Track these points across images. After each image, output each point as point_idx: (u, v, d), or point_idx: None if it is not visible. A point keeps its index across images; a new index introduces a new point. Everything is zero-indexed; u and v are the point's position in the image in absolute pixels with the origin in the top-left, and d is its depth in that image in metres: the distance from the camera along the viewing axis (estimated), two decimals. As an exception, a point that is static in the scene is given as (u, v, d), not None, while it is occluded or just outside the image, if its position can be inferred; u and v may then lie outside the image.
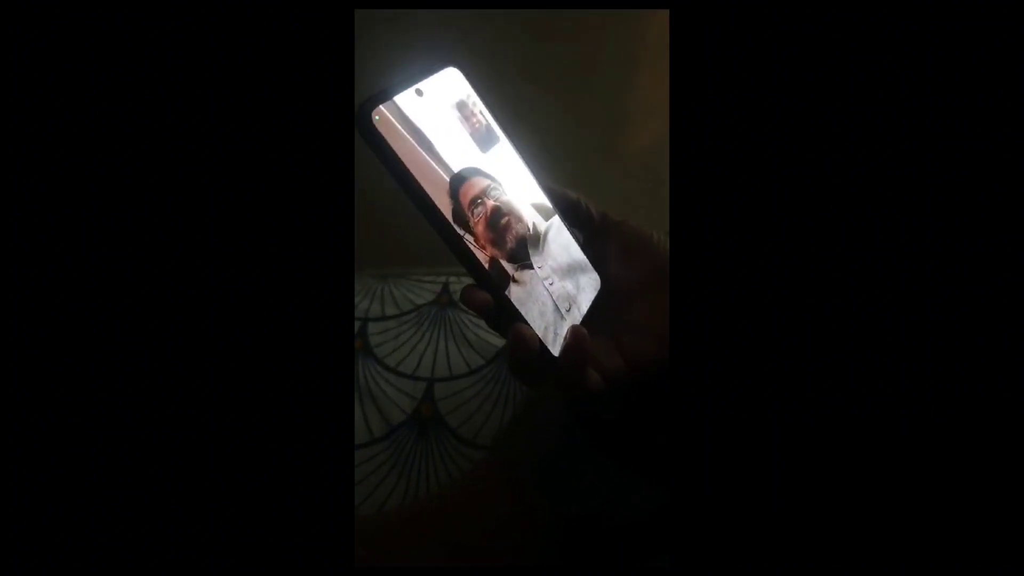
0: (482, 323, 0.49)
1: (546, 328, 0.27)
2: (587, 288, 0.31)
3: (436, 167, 0.25)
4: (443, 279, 0.53)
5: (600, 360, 0.28)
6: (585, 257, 0.31)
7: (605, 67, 0.68)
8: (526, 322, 0.27)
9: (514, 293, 0.27)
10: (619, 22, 0.66)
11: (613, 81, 0.69)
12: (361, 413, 0.44)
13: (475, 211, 0.26)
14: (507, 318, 0.27)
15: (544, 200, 0.30)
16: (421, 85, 0.25)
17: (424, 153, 0.24)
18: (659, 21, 0.66)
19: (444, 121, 0.25)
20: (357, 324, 0.49)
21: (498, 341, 0.47)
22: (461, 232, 0.25)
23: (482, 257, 0.26)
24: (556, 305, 0.28)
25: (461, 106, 0.27)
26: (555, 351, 0.28)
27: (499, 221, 0.27)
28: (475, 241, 0.26)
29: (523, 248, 0.28)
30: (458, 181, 0.25)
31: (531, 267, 0.28)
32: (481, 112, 0.27)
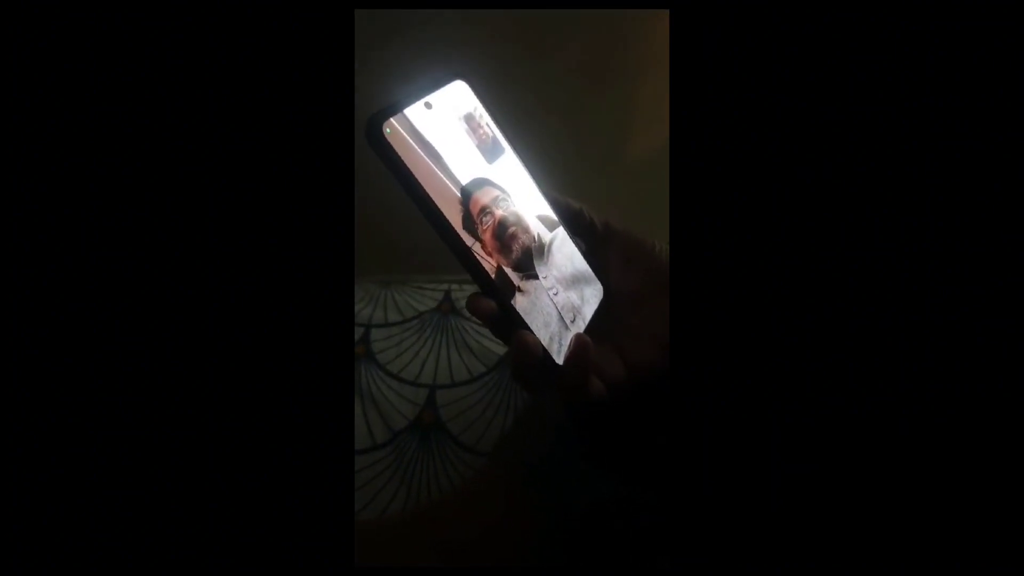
0: (484, 331, 0.49)
1: (551, 337, 0.28)
2: (590, 298, 0.31)
3: (445, 178, 0.25)
4: (445, 286, 0.53)
5: (602, 367, 0.28)
6: (589, 267, 0.32)
7: (608, 74, 0.69)
8: (530, 330, 0.27)
9: (519, 302, 0.27)
10: (623, 27, 0.66)
11: (617, 88, 0.70)
12: (363, 419, 0.44)
13: (483, 220, 0.27)
14: (511, 326, 0.27)
15: (548, 211, 0.30)
16: (430, 98, 0.25)
17: (433, 164, 0.25)
18: (664, 26, 0.66)
19: (452, 133, 0.26)
20: (360, 330, 0.50)
21: (499, 348, 0.48)
22: (469, 242, 0.26)
23: (489, 267, 0.26)
24: (561, 316, 0.29)
25: (468, 118, 0.27)
26: (558, 359, 0.28)
27: (506, 231, 0.28)
28: (483, 249, 0.26)
29: (528, 259, 0.28)
30: (469, 191, 0.26)
31: (536, 277, 0.28)
32: (488, 124, 0.28)
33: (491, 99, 0.28)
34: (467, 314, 0.46)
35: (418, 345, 0.48)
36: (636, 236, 0.32)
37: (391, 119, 0.24)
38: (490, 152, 0.28)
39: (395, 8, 0.62)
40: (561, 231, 0.31)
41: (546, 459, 0.33)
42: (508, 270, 0.27)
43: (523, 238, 0.28)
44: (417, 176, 0.24)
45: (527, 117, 0.42)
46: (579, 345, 0.28)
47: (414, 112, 0.25)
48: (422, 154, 0.24)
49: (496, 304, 0.27)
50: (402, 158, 0.23)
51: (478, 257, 0.26)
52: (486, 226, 0.27)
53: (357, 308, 0.52)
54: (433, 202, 0.24)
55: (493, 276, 0.26)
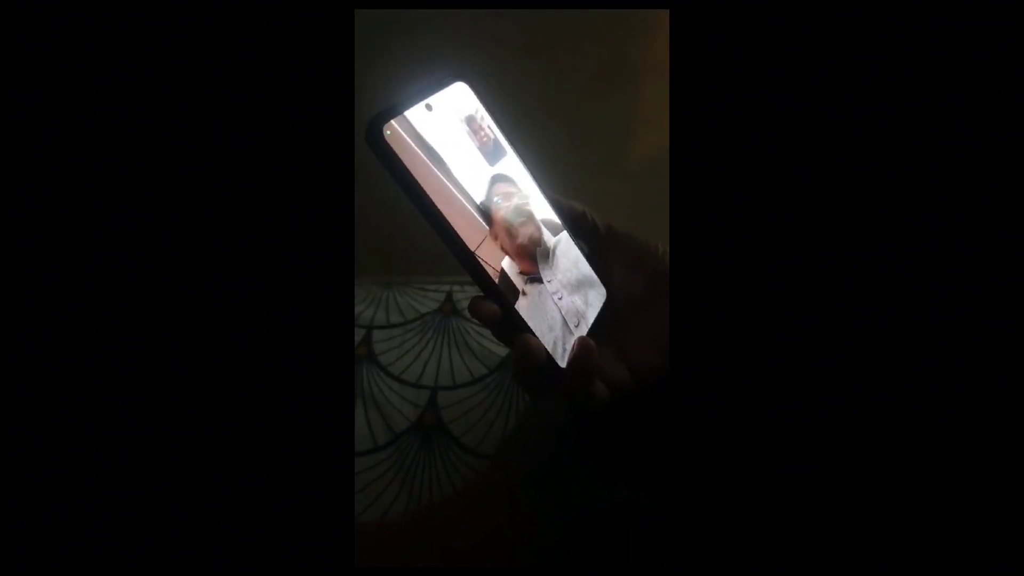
0: (486, 332, 0.49)
1: (555, 341, 0.28)
2: (594, 301, 0.31)
3: (446, 181, 0.25)
4: (447, 288, 0.53)
5: (605, 370, 0.28)
6: (592, 271, 0.31)
7: (611, 75, 0.68)
8: (533, 334, 0.27)
9: (523, 306, 0.27)
10: (626, 27, 0.66)
11: (620, 89, 0.70)
12: (365, 420, 0.44)
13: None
14: (514, 329, 0.27)
15: (552, 215, 0.30)
16: (431, 100, 0.25)
17: (434, 167, 0.25)
18: (667, 27, 0.66)
19: (453, 135, 0.26)
20: (362, 332, 0.50)
21: (501, 350, 0.48)
22: (473, 245, 0.25)
23: (492, 270, 0.26)
24: (565, 320, 0.29)
25: (470, 120, 0.27)
26: (561, 363, 0.28)
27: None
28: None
29: (532, 255, 0.28)
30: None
31: (540, 281, 0.28)
32: (489, 126, 0.28)
33: (493, 100, 0.28)
34: (469, 315, 0.46)
35: (420, 346, 0.48)
36: (639, 239, 0.32)
37: (391, 121, 0.23)
38: (491, 154, 0.28)
39: (395, 8, 0.62)
40: (564, 235, 0.31)
41: (548, 462, 0.33)
42: (512, 275, 0.27)
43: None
44: (418, 179, 0.24)
45: (529, 119, 0.42)
46: (582, 348, 0.28)
47: (414, 114, 0.24)
48: (423, 157, 0.24)
49: (499, 307, 0.26)
50: (403, 161, 0.23)
51: (481, 260, 0.26)
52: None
53: (359, 309, 0.52)
54: (435, 205, 0.24)
55: (496, 279, 0.26)
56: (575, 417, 0.33)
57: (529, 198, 0.29)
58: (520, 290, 0.27)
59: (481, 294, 0.27)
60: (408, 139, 0.24)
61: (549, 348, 0.27)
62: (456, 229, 0.25)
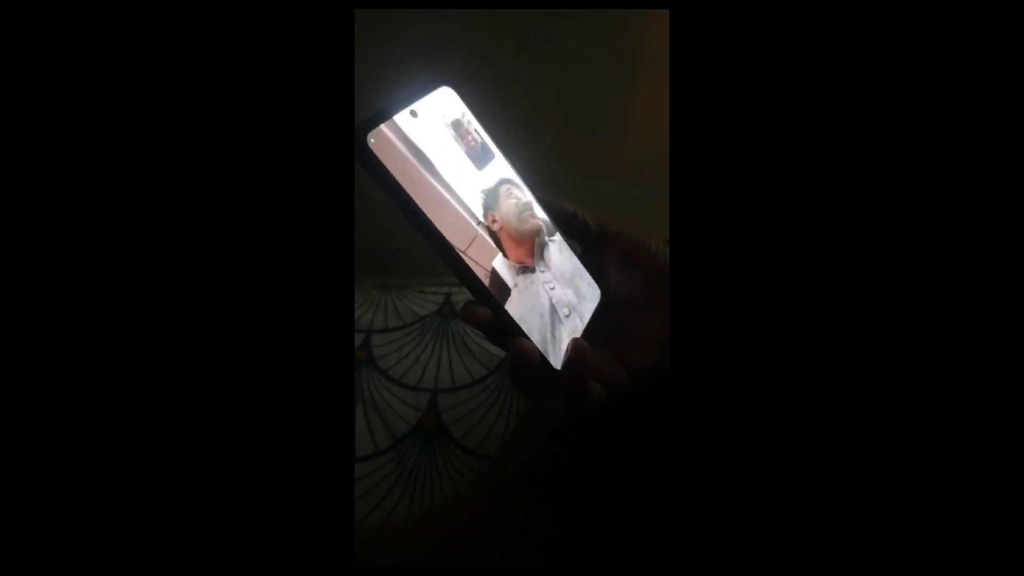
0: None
1: (545, 335, 0.28)
2: (588, 300, 0.31)
3: (433, 187, 0.25)
4: (446, 290, 0.53)
5: (601, 371, 0.28)
6: (585, 270, 0.31)
7: (601, 73, 0.68)
8: (526, 336, 0.27)
9: (514, 304, 0.27)
10: (616, 25, 0.65)
11: (609, 87, 0.69)
12: (366, 425, 0.44)
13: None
14: (507, 332, 0.27)
15: (543, 216, 0.30)
16: (415, 106, 0.25)
17: (420, 174, 0.24)
18: (658, 24, 0.66)
19: (439, 141, 0.26)
20: (361, 336, 0.50)
21: (501, 351, 0.48)
22: (462, 247, 0.25)
23: (482, 272, 0.26)
24: (555, 309, 0.29)
25: (456, 125, 0.27)
26: (556, 362, 0.28)
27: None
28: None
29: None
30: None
31: (532, 271, 0.28)
32: (476, 131, 0.28)
33: (480, 104, 0.28)
34: (464, 323, 0.46)
35: (419, 350, 0.48)
36: (633, 237, 0.31)
37: (375, 129, 0.23)
38: (479, 158, 0.27)
39: (395, 8, 0.62)
40: (557, 236, 0.30)
41: (547, 462, 0.33)
42: (503, 272, 0.27)
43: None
44: (405, 186, 0.23)
45: (518, 121, 0.42)
46: (576, 350, 0.28)
47: (399, 121, 0.24)
48: (409, 164, 0.24)
49: (490, 311, 0.26)
50: (388, 169, 0.23)
51: (470, 262, 0.25)
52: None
53: (358, 313, 0.52)
54: (423, 212, 0.24)
55: (487, 281, 0.26)
56: (573, 418, 0.33)
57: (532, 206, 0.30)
58: (512, 285, 0.27)
59: (472, 299, 0.27)
60: (393, 146, 0.24)
61: (541, 343, 0.27)
62: (445, 235, 0.25)
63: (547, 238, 0.30)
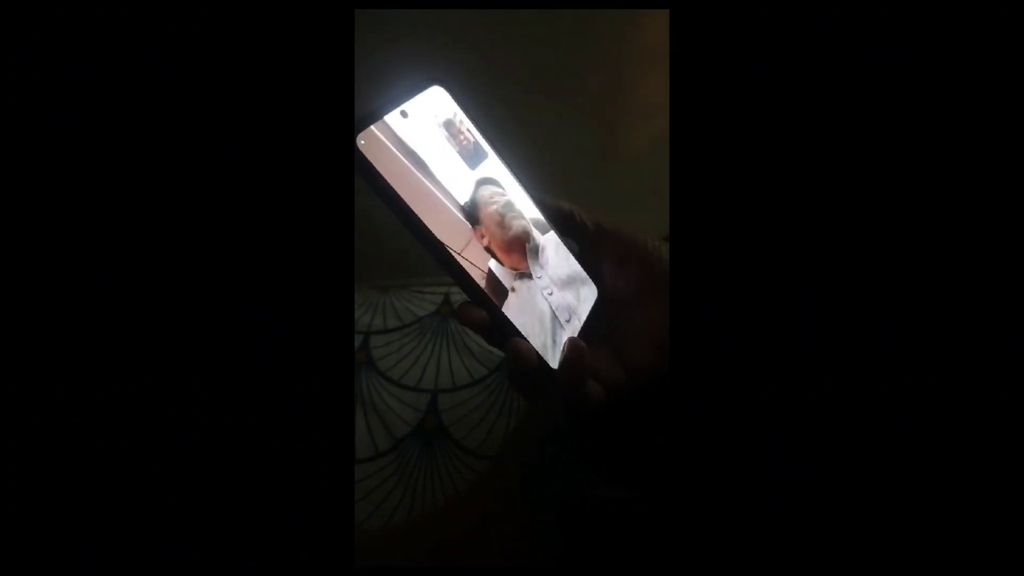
0: (484, 334, 0.49)
1: (545, 340, 0.27)
2: (585, 299, 0.30)
3: (425, 187, 0.25)
4: (444, 290, 0.53)
5: (600, 370, 0.28)
6: (582, 269, 0.31)
7: (596, 70, 0.68)
8: (523, 337, 0.27)
9: (511, 307, 0.27)
10: (610, 22, 0.65)
11: (604, 84, 0.69)
12: (366, 427, 0.44)
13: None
14: (504, 333, 0.27)
15: (538, 214, 0.30)
16: (406, 106, 0.25)
17: (412, 175, 0.24)
18: (652, 21, 0.65)
19: (431, 141, 0.25)
20: (360, 337, 0.49)
21: (500, 351, 0.47)
22: (457, 249, 0.25)
23: (478, 273, 0.26)
24: (555, 315, 0.28)
25: (448, 125, 0.27)
26: (554, 363, 0.27)
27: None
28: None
29: (523, 249, 0.28)
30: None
31: (530, 276, 0.28)
32: (468, 130, 0.27)
33: (472, 103, 0.27)
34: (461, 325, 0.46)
35: (418, 350, 0.48)
36: (630, 235, 0.31)
37: (366, 130, 0.23)
38: (472, 158, 0.27)
39: (395, 8, 0.61)
40: (552, 234, 0.30)
41: (546, 462, 0.33)
42: (499, 274, 0.27)
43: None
44: (396, 188, 0.23)
45: (511, 119, 0.41)
46: (573, 349, 0.27)
47: (389, 122, 0.24)
48: (400, 165, 0.24)
49: (487, 312, 0.26)
50: (379, 171, 0.23)
51: (466, 264, 0.25)
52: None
53: (356, 315, 0.51)
54: (415, 214, 0.24)
55: (483, 283, 0.26)
56: (572, 417, 0.33)
57: (515, 199, 0.28)
58: (509, 288, 0.27)
59: (468, 300, 0.26)
60: (384, 148, 0.23)
61: (540, 347, 0.27)
62: (439, 237, 0.24)
63: (538, 239, 0.29)
